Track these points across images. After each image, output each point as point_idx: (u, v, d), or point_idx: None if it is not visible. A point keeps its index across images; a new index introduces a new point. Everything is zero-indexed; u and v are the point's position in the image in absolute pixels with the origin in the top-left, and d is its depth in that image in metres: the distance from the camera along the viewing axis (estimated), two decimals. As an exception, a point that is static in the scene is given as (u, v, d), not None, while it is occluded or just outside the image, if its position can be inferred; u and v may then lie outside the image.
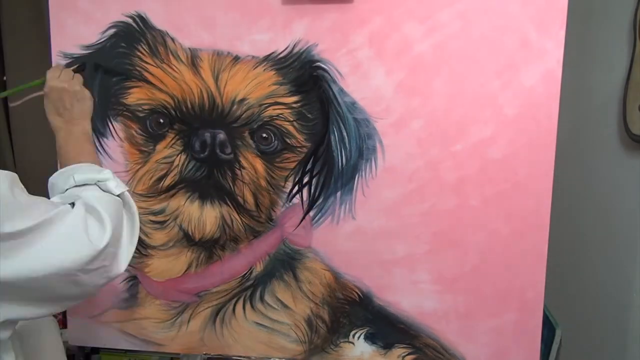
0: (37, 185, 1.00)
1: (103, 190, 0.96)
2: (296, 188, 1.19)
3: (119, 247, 0.92)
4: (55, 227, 0.83)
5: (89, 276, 0.87)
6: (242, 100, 1.15)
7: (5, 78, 1.75)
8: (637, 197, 1.29)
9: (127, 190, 1.00)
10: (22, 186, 0.85)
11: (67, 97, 1.06)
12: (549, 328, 1.65)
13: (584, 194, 1.55)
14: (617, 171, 1.39)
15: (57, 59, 1.20)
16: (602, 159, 1.46)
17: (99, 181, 0.97)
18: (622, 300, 1.33)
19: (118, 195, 0.97)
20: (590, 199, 1.53)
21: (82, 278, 0.86)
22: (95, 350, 1.87)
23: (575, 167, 1.57)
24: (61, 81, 1.06)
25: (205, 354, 1.26)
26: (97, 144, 1.21)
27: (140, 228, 1.17)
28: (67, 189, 0.96)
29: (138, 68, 1.18)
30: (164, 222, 1.21)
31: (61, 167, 1.01)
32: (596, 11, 1.51)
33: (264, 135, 1.17)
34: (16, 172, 0.85)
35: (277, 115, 1.16)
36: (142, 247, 1.23)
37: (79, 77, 1.10)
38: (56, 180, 0.98)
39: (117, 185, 0.98)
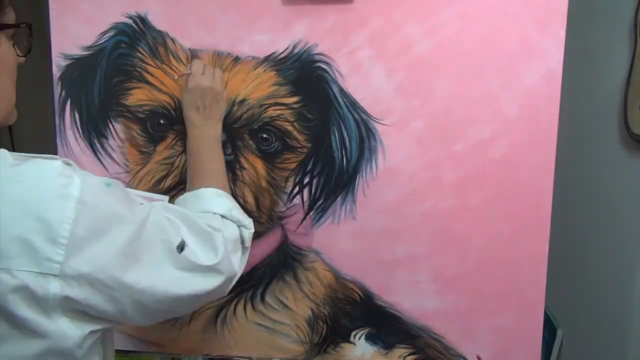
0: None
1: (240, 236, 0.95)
2: (297, 188, 1.19)
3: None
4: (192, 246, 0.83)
5: (211, 296, 0.87)
6: (243, 100, 1.15)
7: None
8: (638, 197, 1.29)
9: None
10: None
11: (209, 95, 1.05)
12: (550, 328, 1.65)
13: (585, 193, 1.55)
14: (617, 171, 1.39)
15: (57, 60, 1.20)
16: (603, 158, 1.46)
17: (244, 227, 0.97)
18: (623, 300, 1.33)
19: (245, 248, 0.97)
20: (591, 199, 1.53)
21: (205, 299, 0.86)
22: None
23: (576, 167, 1.57)
24: (206, 79, 1.05)
25: (206, 355, 1.26)
26: (98, 145, 1.21)
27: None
28: (213, 213, 0.94)
29: (138, 69, 1.18)
30: (165, 222, 1.21)
31: (192, 166, 1.02)
32: (596, 11, 1.51)
33: (265, 135, 1.17)
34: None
35: (277, 116, 1.16)
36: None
37: (220, 76, 1.10)
38: (205, 194, 0.97)
39: (249, 239, 0.98)
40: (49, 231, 0.65)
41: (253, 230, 0.98)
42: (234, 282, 0.92)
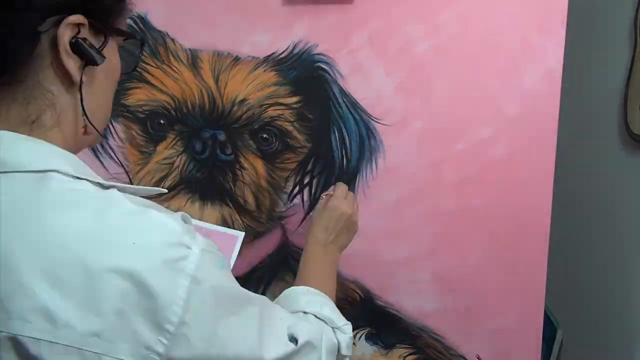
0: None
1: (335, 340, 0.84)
2: (297, 188, 1.19)
3: None
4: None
5: None
6: (243, 100, 1.15)
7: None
8: (637, 197, 1.29)
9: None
10: None
11: (345, 222, 1.00)
12: (550, 328, 1.65)
13: (585, 193, 1.55)
14: (617, 170, 1.39)
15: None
16: (603, 158, 1.46)
17: (337, 328, 0.85)
18: (623, 300, 1.34)
19: (342, 356, 0.85)
20: (591, 199, 1.53)
21: None
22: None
23: (576, 167, 1.57)
24: (349, 206, 1.01)
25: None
26: (98, 145, 1.21)
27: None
28: (304, 312, 0.85)
29: (138, 69, 1.17)
30: (165, 223, 1.21)
31: (299, 273, 0.98)
32: (596, 11, 1.51)
33: (265, 135, 1.17)
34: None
35: (277, 116, 1.16)
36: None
37: (357, 208, 1.04)
38: (299, 294, 0.90)
39: (348, 345, 0.86)
40: (155, 312, 0.54)
41: (350, 336, 0.87)
42: None
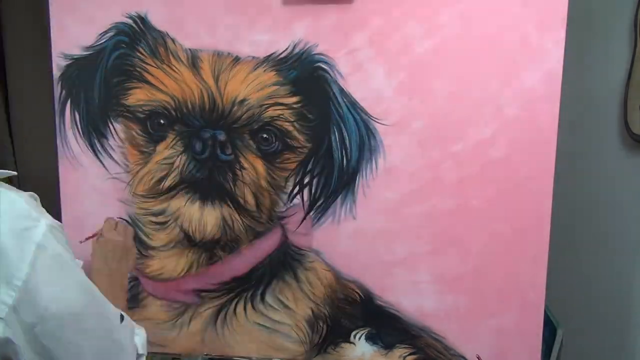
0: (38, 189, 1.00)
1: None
2: (297, 188, 1.19)
3: None
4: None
5: None
6: (243, 100, 1.15)
7: (6, 79, 1.75)
8: (637, 197, 1.29)
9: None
10: None
11: (119, 250, 1.12)
12: (550, 328, 1.65)
13: (585, 193, 1.55)
14: (617, 171, 1.39)
15: (57, 60, 1.20)
16: (603, 158, 1.46)
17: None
18: (623, 300, 1.34)
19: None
20: (591, 199, 1.53)
21: None
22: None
23: (576, 167, 1.57)
24: (118, 234, 1.12)
25: (206, 355, 1.26)
26: (98, 145, 1.21)
27: (142, 229, 1.17)
28: None
29: (138, 69, 1.18)
30: (165, 223, 1.21)
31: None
32: (596, 11, 1.51)
33: (265, 135, 1.17)
34: (17, 175, 0.83)
35: (277, 116, 1.16)
36: (143, 248, 1.23)
37: (131, 232, 1.15)
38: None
39: (142, 345, 0.93)
40: (5, 270, 0.65)
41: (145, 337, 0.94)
42: None
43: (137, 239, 1.23)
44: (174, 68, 1.17)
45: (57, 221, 0.73)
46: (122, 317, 0.83)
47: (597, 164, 1.50)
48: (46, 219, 0.70)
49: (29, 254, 0.66)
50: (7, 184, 0.72)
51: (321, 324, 1.23)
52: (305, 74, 1.15)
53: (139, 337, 0.90)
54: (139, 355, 0.91)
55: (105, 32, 1.18)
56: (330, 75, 1.14)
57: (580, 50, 1.50)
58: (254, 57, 1.15)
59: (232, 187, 1.18)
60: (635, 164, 1.31)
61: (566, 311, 1.63)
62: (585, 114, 1.55)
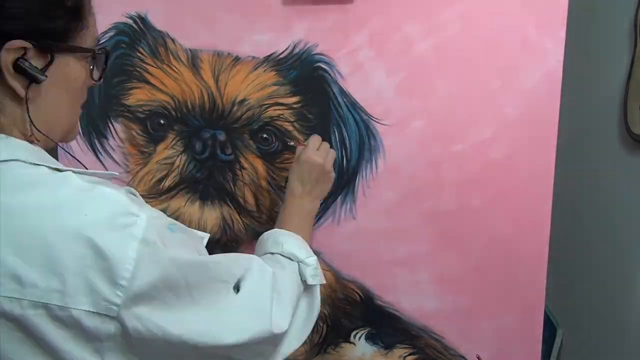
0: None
1: (299, 273, 0.94)
2: (297, 189, 1.19)
3: (282, 342, 0.86)
4: (247, 284, 0.79)
5: (242, 357, 0.80)
6: (243, 101, 1.15)
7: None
8: (638, 197, 1.29)
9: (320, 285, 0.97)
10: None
11: (317, 173, 1.05)
12: (550, 328, 1.65)
13: (585, 194, 1.55)
14: (617, 171, 1.39)
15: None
16: (603, 159, 1.46)
17: (301, 262, 0.95)
18: (623, 300, 1.34)
19: (309, 286, 0.95)
20: (591, 199, 1.53)
21: (235, 357, 0.78)
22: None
23: (576, 167, 1.57)
24: (320, 156, 1.05)
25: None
26: (98, 145, 1.21)
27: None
28: (270, 253, 0.95)
29: (138, 69, 1.18)
30: (165, 223, 1.21)
31: (276, 223, 1.03)
32: (596, 11, 1.51)
33: (265, 135, 1.17)
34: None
35: (277, 116, 1.16)
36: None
37: (333, 156, 1.09)
38: (267, 238, 0.99)
39: (313, 275, 0.95)
40: (110, 270, 0.63)
41: (315, 267, 0.95)
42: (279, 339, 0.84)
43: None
44: (174, 68, 1.17)
45: (157, 211, 0.71)
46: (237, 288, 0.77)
47: (597, 164, 1.50)
48: (146, 212, 0.67)
49: (133, 251, 0.64)
50: (103, 180, 0.71)
51: (321, 324, 1.23)
52: (305, 74, 1.15)
53: (308, 268, 0.92)
54: (309, 287, 0.94)
55: (105, 32, 1.18)
56: (330, 75, 1.14)
57: (580, 50, 1.51)
58: (254, 57, 1.15)
59: (232, 187, 1.18)
60: (635, 164, 1.31)
61: (566, 311, 1.64)
62: (585, 114, 1.55)
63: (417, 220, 1.17)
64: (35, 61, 0.68)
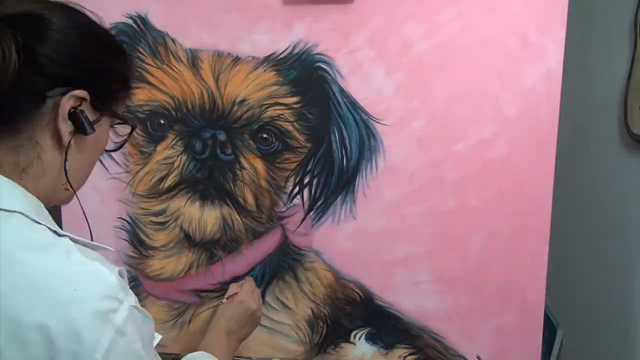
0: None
1: None
2: (297, 189, 1.19)
3: None
4: None
5: None
6: (243, 101, 1.15)
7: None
8: (638, 197, 1.29)
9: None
10: None
11: (249, 317, 1.10)
12: (550, 328, 1.65)
13: (585, 194, 1.55)
14: (617, 171, 1.39)
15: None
16: (603, 159, 1.46)
17: None
18: (623, 300, 1.33)
19: None
20: (591, 199, 1.53)
21: None
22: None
23: (576, 168, 1.57)
24: (255, 301, 1.10)
25: (206, 354, 1.26)
26: (98, 145, 1.21)
27: (142, 229, 1.17)
28: None
29: (138, 69, 1.18)
30: (165, 223, 1.21)
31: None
32: (596, 11, 1.51)
33: (265, 135, 1.17)
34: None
35: (277, 116, 1.16)
36: (143, 248, 1.23)
37: (260, 298, 1.14)
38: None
39: None
40: (79, 354, 0.61)
41: None
42: None
43: (137, 239, 1.23)
44: (174, 68, 1.17)
45: (136, 298, 0.69)
46: None
47: (597, 164, 1.50)
48: (129, 300, 0.66)
49: (107, 339, 0.62)
50: (98, 254, 0.69)
51: (321, 324, 1.23)
52: (305, 74, 1.15)
53: None
54: None
55: (106, 32, 1.18)
56: (330, 75, 1.14)
57: (580, 50, 1.50)
58: (254, 57, 1.15)
59: (232, 187, 1.18)
60: (635, 164, 1.31)
61: (566, 311, 1.63)
62: (585, 114, 1.55)
63: (417, 220, 1.17)
64: (88, 114, 0.70)
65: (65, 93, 0.67)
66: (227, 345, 1.07)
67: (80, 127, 0.69)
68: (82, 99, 0.69)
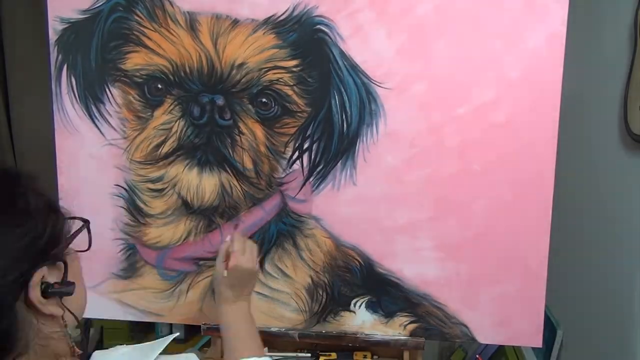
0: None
1: None
2: (296, 154, 1.17)
3: None
4: None
5: None
6: (242, 64, 1.14)
7: (3, 43, 1.73)
8: (637, 197, 1.28)
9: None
10: None
11: (247, 276, 1.07)
12: (550, 329, 1.64)
13: (585, 193, 1.55)
14: (617, 171, 1.38)
15: (53, 24, 1.18)
16: (603, 158, 1.46)
17: None
18: (623, 300, 1.32)
19: None
20: (591, 199, 1.53)
21: None
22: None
23: (576, 167, 1.56)
24: (248, 260, 1.06)
25: (205, 324, 1.24)
26: (95, 110, 1.19)
27: (139, 196, 1.15)
28: None
29: (136, 32, 1.16)
30: (163, 189, 1.20)
31: (229, 339, 1.03)
32: (596, 11, 1.50)
33: (264, 100, 1.15)
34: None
35: (276, 80, 1.14)
36: (140, 216, 1.21)
37: (255, 250, 1.09)
38: None
39: None
40: None
41: None
42: None
43: (134, 206, 1.21)
44: (172, 31, 1.15)
45: None
46: None
47: (598, 163, 1.49)
48: None
49: None
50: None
51: (321, 292, 1.21)
52: (305, 37, 1.13)
53: None
54: None
55: (102, -6, 1.17)
56: (330, 38, 1.13)
57: (580, 50, 1.49)
58: (253, 20, 1.14)
59: (231, 152, 1.16)
60: (635, 164, 1.30)
61: (566, 311, 1.63)
62: (585, 113, 1.55)
63: (418, 185, 1.16)
64: (54, 276, 0.66)
65: (26, 293, 0.62)
66: (242, 316, 1.06)
67: (62, 293, 0.65)
68: (41, 276, 0.63)
